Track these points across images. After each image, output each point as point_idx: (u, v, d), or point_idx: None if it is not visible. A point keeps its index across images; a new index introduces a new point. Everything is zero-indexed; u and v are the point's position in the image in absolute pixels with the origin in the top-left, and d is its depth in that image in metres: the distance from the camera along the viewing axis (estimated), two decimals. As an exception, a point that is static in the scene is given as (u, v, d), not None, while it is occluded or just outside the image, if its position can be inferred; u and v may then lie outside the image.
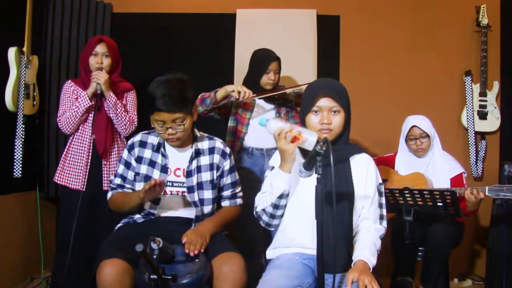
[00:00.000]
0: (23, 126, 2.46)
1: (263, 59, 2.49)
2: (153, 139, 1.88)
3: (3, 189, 2.51)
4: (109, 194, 1.91)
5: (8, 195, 2.56)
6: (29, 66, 2.52)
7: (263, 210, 1.58)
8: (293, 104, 2.55)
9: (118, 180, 1.88)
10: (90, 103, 2.23)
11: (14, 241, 2.61)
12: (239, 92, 2.28)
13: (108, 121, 2.31)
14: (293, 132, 1.43)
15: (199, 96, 2.40)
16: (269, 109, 2.55)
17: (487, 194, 2.10)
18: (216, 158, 1.89)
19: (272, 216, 1.58)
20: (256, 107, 2.53)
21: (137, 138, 1.89)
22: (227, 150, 1.92)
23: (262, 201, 1.59)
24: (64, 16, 2.89)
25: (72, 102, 2.28)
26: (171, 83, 1.72)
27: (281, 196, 1.52)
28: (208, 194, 1.86)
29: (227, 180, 1.92)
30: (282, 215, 1.59)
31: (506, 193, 2.06)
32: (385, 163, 2.53)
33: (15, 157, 2.47)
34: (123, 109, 2.31)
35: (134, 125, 2.36)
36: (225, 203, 1.95)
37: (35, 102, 2.59)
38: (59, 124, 2.27)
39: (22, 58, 2.46)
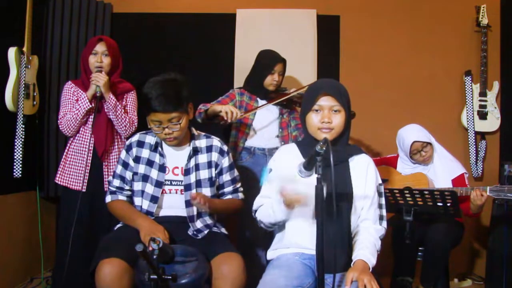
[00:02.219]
0: (23, 126, 2.46)
1: (269, 60, 2.49)
2: (150, 139, 1.88)
3: (3, 189, 2.51)
4: (108, 198, 1.90)
5: (8, 195, 2.56)
6: (29, 66, 2.52)
7: (261, 221, 1.60)
8: (296, 105, 2.56)
9: (117, 182, 1.88)
10: (90, 105, 2.22)
11: (14, 241, 2.61)
12: (226, 113, 2.27)
13: (108, 123, 2.30)
14: (294, 200, 1.41)
15: (198, 108, 2.40)
16: (274, 112, 2.55)
17: (488, 194, 2.10)
18: (214, 156, 1.89)
19: (270, 228, 1.62)
20: (260, 109, 2.53)
21: (135, 138, 1.89)
22: (225, 147, 1.93)
23: (261, 213, 1.60)
24: (64, 16, 2.89)
25: (73, 103, 2.27)
26: (165, 83, 1.73)
27: (279, 221, 1.55)
28: (206, 192, 1.87)
29: (226, 177, 1.93)
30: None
31: (507, 193, 2.06)
32: (387, 164, 2.52)
33: (15, 157, 2.47)
34: (123, 110, 2.30)
35: (134, 126, 2.35)
36: (228, 197, 1.96)
37: (35, 102, 2.59)
38: (60, 126, 2.27)
39: (22, 58, 2.46)
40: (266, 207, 1.58)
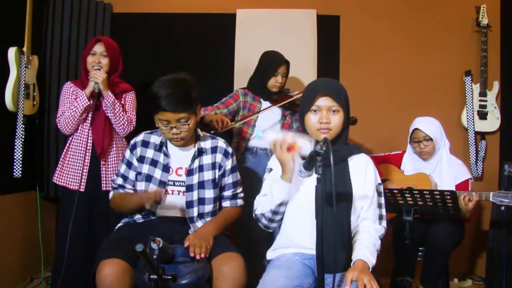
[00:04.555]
0: (23, 126, 2.46)
1: (273, 62, 2.50)
2: (155, 139, 1.88)
3: (3, 189, 2.51)
4: (111, 194, 1.91)
5: (8, 195, 2.56)
6: (29, 66, 2.52)
7: (262, 214, 1.59)
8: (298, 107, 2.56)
9: (119, 180, 1.89)
10: (89, 102, 2.23)
11: (14, 241, 2.61)
12: (217, 122, 2.29)
13: (106, 121, 2.31)
14: (287, 141, 1.42)
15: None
16: (276, 113, 2.56)
17: (491, 200, 2.08)
18: (219, 157, 1.89)
19: (271, 221, 1.59)
20: (263, 110, 2.53)
21: (140, 137, 1.89)
22: (229, 149, 1.93)
23: (262, 205, 1.59)
24: (64, 16, 2.89)
25: (71, 102, 2.28)
26: (175, 82, 1.72)
27: (280, 204, 1.53)
28: (209, 193, 1.86)
29: (228, 179, 1.92)
30: (281, 219, 1.60)
31: (511, 200, 2.02)
32: (389, 162, 2.52)
33: (15, 157, 2.47)
34: (121, 108, 2.30)
35: (132, 125, 2.36)
36: (226, 204, 1.95)
37: (35, 102, 2.59)
38: (58, 124, 2.27)
39: (22, 58, 2.46)
40: (265, 198, 1.58)
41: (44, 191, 2.83)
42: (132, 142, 1.90)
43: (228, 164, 1.91)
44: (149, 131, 1.90)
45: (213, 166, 1.88)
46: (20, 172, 2.49)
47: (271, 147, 1.46)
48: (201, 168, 1.87)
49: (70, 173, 2.30)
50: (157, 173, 1.84)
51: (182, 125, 1.73)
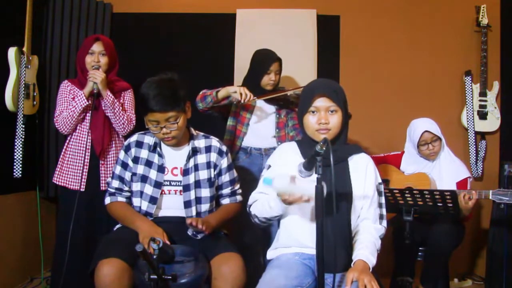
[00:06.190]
0: (23, 126, 2.46)
1: (264, 60, 2.48)
2: (149, 139, 1.88)
3: (3, 189, 2.51)
4: (108, 200, 1.89)
5: (8, 195, 2.56)
6: (29, 66, 2.52)
7: (256, 215, 1.59)
8: (294, 105, 2.55)
9: (116, 183, 1.88)
10: (87, 103, 2.22)
11: (14, 241, 2.61)
12: (241, 94, 2.28)
13: (105, 121, 2.30)
14: (295, 195, 1.36)
15: (201, 93, 2.41)
16: (270, 112, 2.55)
17: (490, 198, 2.08)
18: (213, 156, 1.89)
19: (264, 223, 1.61)
20: (257, 109, 2.53)
21: (133, 138, 1.89)
22: (224, 148, 1.93)
23: (256, 207, 1.59)
24: (64, 16, 2.89)
25: (69, 102, 2.27)
26: (161, 83, 1.74)
27: (276, 216, 1.54)
28: (205, 192, 1.87)
29: (225, 178, 1.93)
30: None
31: (510, 198, 2.03)
32: (387, 163, 2.52)
33: (15, 157, 2.47)
34: (121, 107, 2.30)
35: (132, 124, 2.35)
36: (225, 201, 1.96)
37: (35, 102, 2.59)
38: (56, 124, 2.27)
39: (22, 58, 2.46)
40: (262, 203, 1.56)
41: (44, 191, 2.83)
42: (125, 143, 1.90)
43: (224, 162, 1.91)
44: (142, 132, 1.91)
45: (208, 165, 1.89)
46: (20, 172, 2.49)
47: (279, 195, 1.40)
48: (196, 168, 1.87)
49: (69, 173, 2.30)
50: (153, 174, 1.84)
51: (171, 124, 1.74)
